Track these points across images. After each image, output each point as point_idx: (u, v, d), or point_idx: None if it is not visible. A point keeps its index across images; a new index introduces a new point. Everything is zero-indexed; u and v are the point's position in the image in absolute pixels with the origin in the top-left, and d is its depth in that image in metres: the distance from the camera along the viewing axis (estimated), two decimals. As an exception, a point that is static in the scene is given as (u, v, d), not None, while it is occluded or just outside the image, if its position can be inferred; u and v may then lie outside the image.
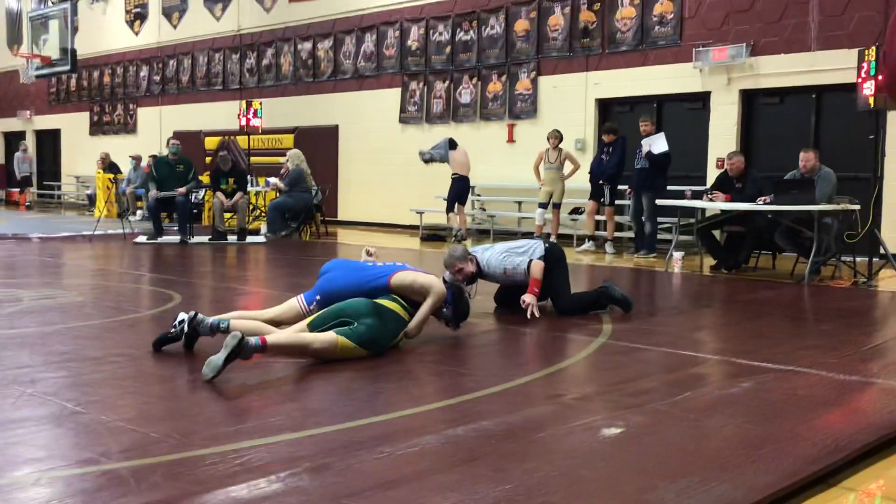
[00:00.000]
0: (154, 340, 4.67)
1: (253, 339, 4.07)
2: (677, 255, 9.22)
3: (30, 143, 25.64)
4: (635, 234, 11.14)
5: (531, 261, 5.93)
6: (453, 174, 12.93)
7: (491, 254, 6.05)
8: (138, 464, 2.80)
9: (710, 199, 9.05)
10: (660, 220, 10.88)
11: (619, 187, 11.44)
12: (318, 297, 4.94)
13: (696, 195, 9.48)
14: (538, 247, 6.10)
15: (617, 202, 11.55)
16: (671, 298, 7.72)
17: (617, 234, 12.18)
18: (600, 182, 11.28)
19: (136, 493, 2.54)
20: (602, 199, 11.40)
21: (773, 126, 11.61)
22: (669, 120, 12.53)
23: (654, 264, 9.90)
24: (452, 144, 13.13)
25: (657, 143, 10.53)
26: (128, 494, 2.53)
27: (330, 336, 4.37)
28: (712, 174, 11.17)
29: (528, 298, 5.81)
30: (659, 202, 9.96)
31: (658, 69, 12.38)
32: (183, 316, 4.62)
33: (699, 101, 12.21)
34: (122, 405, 3.60)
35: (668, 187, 10.75)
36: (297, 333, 4.47)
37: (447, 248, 12.08)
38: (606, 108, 13.25)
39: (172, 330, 4.65)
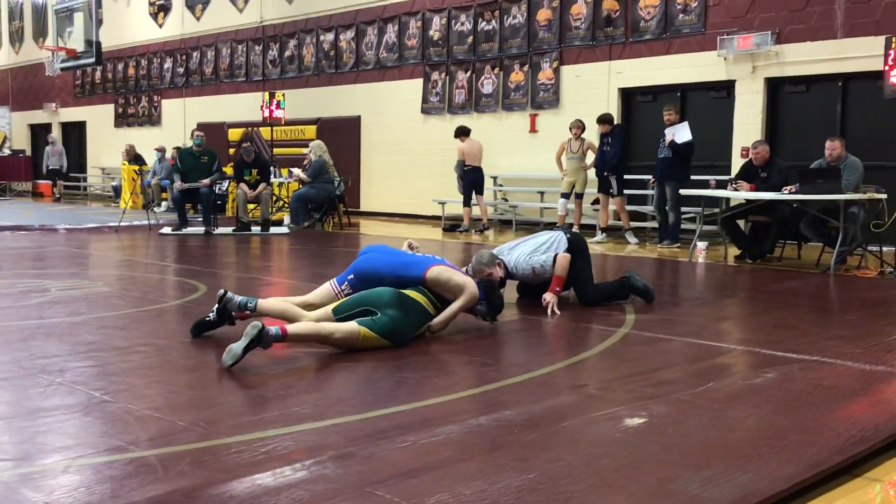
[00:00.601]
0: (192, 326, 4.78)
1: (273, 329, 4.11)
2: (701, 244, 9.17)
3: (56, 135, 25.90)
4: (659, 225, 11.09)
5: (556, 255, 5.91)
6: (465, 166, 12.91)
7: (518, 255, 6.01)
8: (165, 452, 2.84)
9: (735, 189, 8.98)
10: (683, 209, 10.81)
11: (627, 177, 11.39)
12: (351, 276, 4.97)
13: (721, 185, 9.42)
14: (561, 240, 6.08)
15: (627, 192, 11.51)
16: (695, 288, 7.69)
17: (638, 223, 12.14)
18: (605, 174, 11.24)
19: (164, 481, 2.58)
20: (610, 191, 11.35)
21: (798, 114, 11.49)
22: (693, 109, 12.43)
23: (677, 254, 9.85)
24: (465, 131, 13.11)
25: (681, 133, 10.46)
26: (156, 482, 2.57)
27: (352, 326, 4.40)
28: (737, 163, 11.09)
29: (548, 297, 5.77)
30: (682, 192, 9.90)
31: (682, 58, 12.28)
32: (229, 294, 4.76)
33: (724, 90, 12.11)
34: (148, 394, 3.64)
35: (692, 177, 10.68)
36: (318, 323, 4.49)
37: (463, 237, 12.15)
38: (629, 97, 13.18)
39: (210, 315, 4.74)
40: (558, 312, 5.69)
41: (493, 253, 5.68)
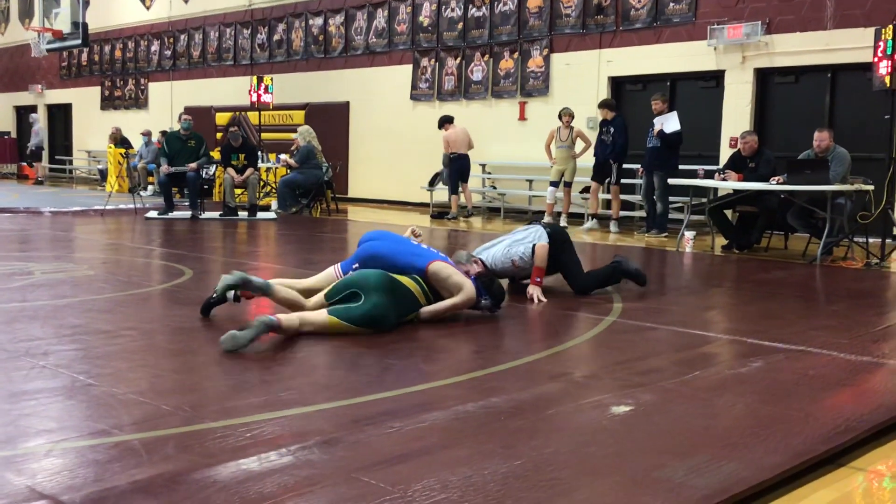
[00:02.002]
0: (201, 308, 4.82)
1: (274, 319, 4.19)
2: (689, 234, 9.19)
3: (41, 117, 25.67)
4: (647, 214, 11.10)
5: (535, 245, 5.88)
6: (451, 153, 12.89)
7: (495, 251, 5.97)
8: (150, 436, 2.82)
9: (723, 179, 9.00)
10: (672, 199, 10.83)
11: (626, 166, 11.39)
12: (355, 266, 4.93)
13: (709, 174, 9.43)
14: (540, 232, 6.04)
15: (623, 181, 11.52)
16: (682, 278, 7.70)
17: (625, 212, 12.16)
18: (611, 161, 11.21)
19: (148, 465, 2.56)
20: (608, 179, 11.34)
21: (787, 105, 11.51)
22: (683, 98, 12.43)
23: (665, 244, 9.87)
24: (448, 119, 13.08)
25: (669, 122, 10.46)
26: (140, 465, 2.55)
27: (322, 318, 4.41)
28: (725, 153, 11.12)
29: (531, 290, 5.75)
30: (671, 181, 9.92)
31: (672, 47, 12.27)
32: (227, 279, 4.65)
33: (713, 80, 12.12)
34: (133, 378, 3.62)
35: (680, 166, 10.69)
36: (301, 315, 4.46)
37: (451, 224, 12.14)
38: (619, 86, 13.16)
39: (214, 294, 4.75)
40: (544, 300, 5.68)
41: (470, 252, 5.69)
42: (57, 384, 3.44)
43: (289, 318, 4.35)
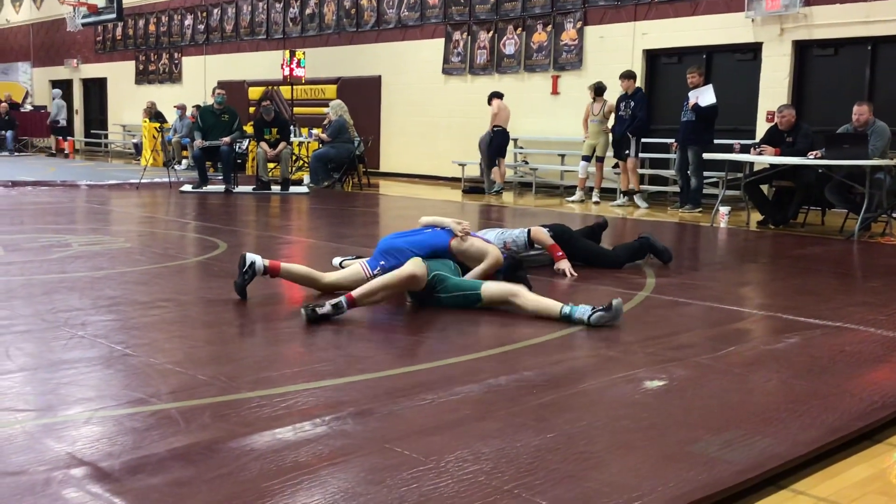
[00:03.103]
0: (237, 290, 4.65)
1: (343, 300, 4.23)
2: (724, 209, 9.09)
3: (77, 91, 25.93)
4: (681, 189, 10.99)
5: (530, 230, 5.84)
6: (495, 127, 12.82)
7: (489, 236, 5.91)
8: (186, 405, 2.86)
9: (760, 153, 8.87)
10: (707, 174, 10.70)
11: (649, 140, 11.25)
12: (382, 262, 4.83)
13: (745, 149, 9.31)
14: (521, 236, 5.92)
15: (649, 155, 11.40)
16: (716, 253, 7.63)
17: (658, 187, 12.06)
18: (629, 134, 11.08)
19: (185, 433, 2.60)
20: (626, 152, 11.21)
21: (826, 78, 11.29)
22: (719, 72, 12.25)
23: (699, 219, 9.77)
24: (498, 94, 13.01)
25: (704, 96, 10.32)
26: (177, 434, 2.59)
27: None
28: (762, 128, 10.94)
29: (560, 265, 5.73)
30: (706, 156, 9.80)
31: (708, 19, 12.07)
32: (252, 258, 4.64)
33: (750, 53, 11.91)
34: (169, 348, 3.67)
35: (716, 140, 10.56)
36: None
37: (492, 199, 12.11)
38: (654, 59, 12.99)
39: (246, 276, 4.64)
40: (575, 274, 5.66)
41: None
42: (95, 354, 3.50)
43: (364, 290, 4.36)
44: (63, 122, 22.72)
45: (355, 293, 4.33)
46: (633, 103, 11.10)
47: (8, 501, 2.11)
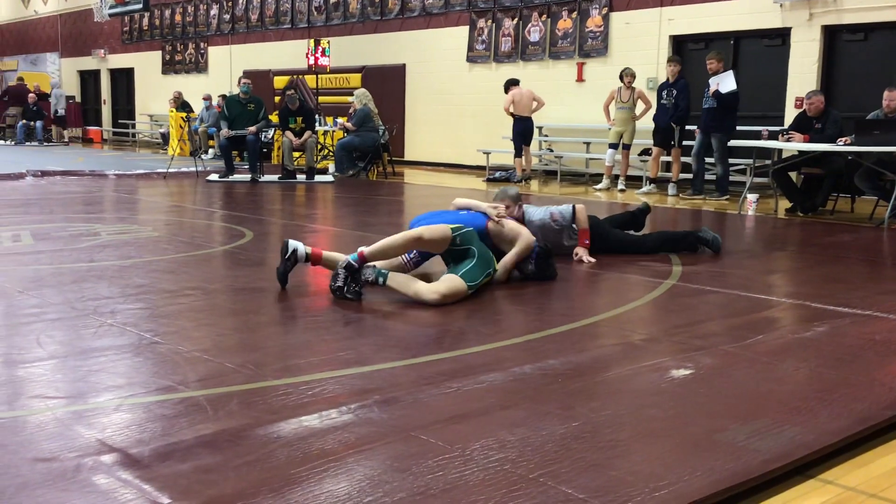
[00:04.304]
0: (279, 277, 4.67)
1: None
2: (751, 197, 9.00)
3: (104, 82, 26.14)
4: (694, 175, 10.89)
5: (574, 205, 5.85)
6: (518, 115, 12.75)
7: (533, 208, 5.94)
8: (214, 392, 2.89)
9: (788, 140, 8.78)
10: (733, 161, 10.61)
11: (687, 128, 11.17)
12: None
13: (773, 135, 9.21)
14: (567, 214, 5.91)
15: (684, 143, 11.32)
16: (744, 241, 7.56)
17: (687, 174, 11.97)
18: (672, 124, 10.96)
19: (214, 420, 2.62)
20: (672, 142, 11.10)
21: (855, 64, 11.13)
22: (747, 57, 12.12)
23: (725, 206, 9.69)
24: (514, 81, 12.94)
25: (725, 82, 10.22)
26: (205, 421, 2.62)
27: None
28: (791, 114, 10.81)
29: (579, 251, 5.73)
30: (732, 143, 9.70)
31: (736, 4, 11.93)
32: (294, 245, 4.69)
33: (778, 38, 11.76)
34: (197, 336, 3.70)
35: (742, 127, 10.46)
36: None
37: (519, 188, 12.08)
38: (681, 45, 12.88)
39: (288, 263, 4.67)
40: (593, 260, 5.65)
41: (520, 193, 5.80)
42: (124, 342, 3.53)
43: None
44: (62, 112, 22.87)
45: (366, 251, 4.48)
46: (675, 91, 10.91)
47: (39, 487, 2.14)
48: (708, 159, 10.81)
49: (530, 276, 5.10)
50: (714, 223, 8.51)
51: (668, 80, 11.09)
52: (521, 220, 5.68)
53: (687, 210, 9.49)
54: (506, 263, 4.97)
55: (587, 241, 5.78)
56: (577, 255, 5.73)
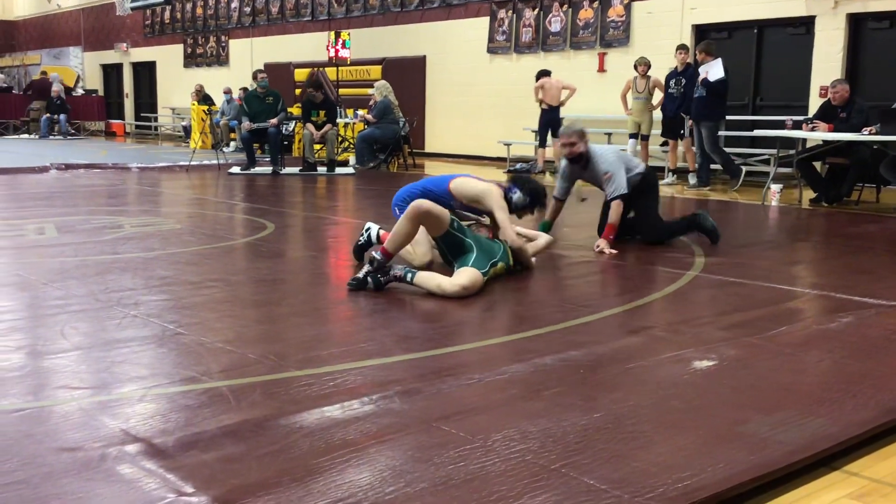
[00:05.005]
0: (353, 251, 5.06)
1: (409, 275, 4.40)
2: (775, 187, 8.93)
3: (126, 75, 26.29)
4: (699, 166, 10.86)
5: (616, 197, 5.82)
6: (546, 106, 12.70)
7: (604, 150, 5.99)
8: (237, 383, 2.91)
9: (812, 129, 8.69)
10: (756, 151, 10.52)
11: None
12: (396, 211, 5.10)
13: (797, 125, 9.12)
14: (641, 168, 6.08)
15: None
16: (767, 232, 7.50)
17: (712, 166, 11.87)
18: (682, 114, 10.87)
19: (237, 411, 2.64)
20: (681, 132, 11.02)
21: (881, 52, 10.99)
22: (770, 46, 12.00)
23: (736, 196, 9.61)
24: (546, 72, 12.89)
25: (713, 70, 10.15)
26: (229, 411, 2.63)
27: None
28: (815, 103, 10.70)
29: (601, 244, 5.73)
30: (760, 132, 9.62)
31: (759, -8, 11.82)
32: (369, 224, 4.96)
33: (803, 27, 11.64)
34: (220, 328, 3.72)
35: (766, 117, 10.37)
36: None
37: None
38: (703, 34, 12.75)
39: (361, 238, 4.98)
40: (614, 251, 5.64)
41: (585, 130, 5.87)
42: (148, 333, 3.56)
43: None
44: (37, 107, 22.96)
45: (386, 244, 4.51)
46: (684, 80, 10.83)
47: (65, 477, 2.16)
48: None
49: (520, 204, 5.11)
50: (738, 213, 8.45)
51: (676, 68, 10.96)
52: (587, 156, 5.79)
53: (703, 201, 9.43)
54: (502, 227, 4.93)
55: (611, 237, 5.77)
56: (597, 246, 5.72)
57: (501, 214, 4.96)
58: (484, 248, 4.62)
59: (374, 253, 4.45)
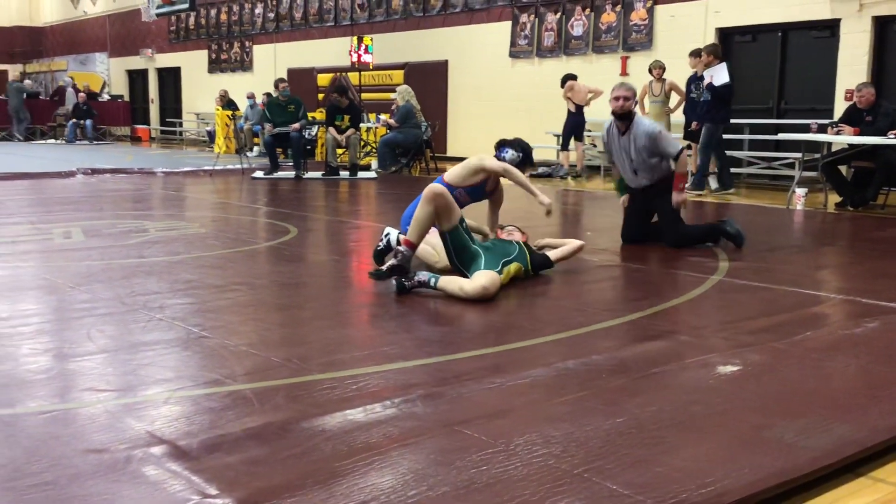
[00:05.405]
0: (373, 255, 5.04)
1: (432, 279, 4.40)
2: (800, 191, 8.85)
3: (152, 81, 26.53)
4: (719, 170, 10.79)
5: (683, 149, 5.96)
6: (574, 107, 12.67)
7: (646, 126, 6.06)
8: (261, 386, 2.92)
9: (837, 133, 8.61)
10: (782, 154, 10.44)
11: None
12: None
13: (822, 129, 9.04)
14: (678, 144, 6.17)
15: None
16: (792, 236, 7.44)
17: (735, 169, 11.80)
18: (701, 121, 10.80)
19: (260, 413, 2.65)
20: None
21: (908, 55, 10.89)
22: (795, 49, 11.91)
23: (735, 197, 9.53)
24: (571, 77, 12.88)
25: (718, 74, 10.11)
26: (252, 414, 2.65)
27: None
28: (840, 107, 10.61)
29: (677, 197, 5.91)
30: (784, 135, 9.55)
31: (784, -5, 11.74)
32: (388, 230, 4.99)
33: (827, 30, 11.54)
34: (244, 331, 3.75)
35: (791, 120, 10.29)
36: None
37: (564, 183, 12.03)
38: (727, 37, 12.69)
39: (380, 244, 4.98)
40: (686, 196, 5.91)
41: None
42: (172, 336, 3.59)
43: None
44: (64, 111, 23.16)
45: (408, 234, 4.56)
46: (701, 84, 10.76)
47: (91, 478, 2.19)
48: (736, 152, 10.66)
49: (520, 162, 5.31)
50: (762, 217, 8.38)
51: (696, 72, 10.90)
52: (632, 116, 5.95)
53: (726, 205, 9.36)
54: (516, 175, 5.11)
55: (683, 185, 5.94)
56: (675, 201, 5.95)
57: (506, 166, 5.10)
58: (493, 250, 4.65)
59: (398, 246, 4.50)
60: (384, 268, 4.42)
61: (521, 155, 5.29)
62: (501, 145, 5.33)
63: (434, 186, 4.57)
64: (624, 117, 5.95)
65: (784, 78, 12.14)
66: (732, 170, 11.66)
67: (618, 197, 6.43)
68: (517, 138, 5.43)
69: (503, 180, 5.30)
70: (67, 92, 23.60)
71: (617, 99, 5.93)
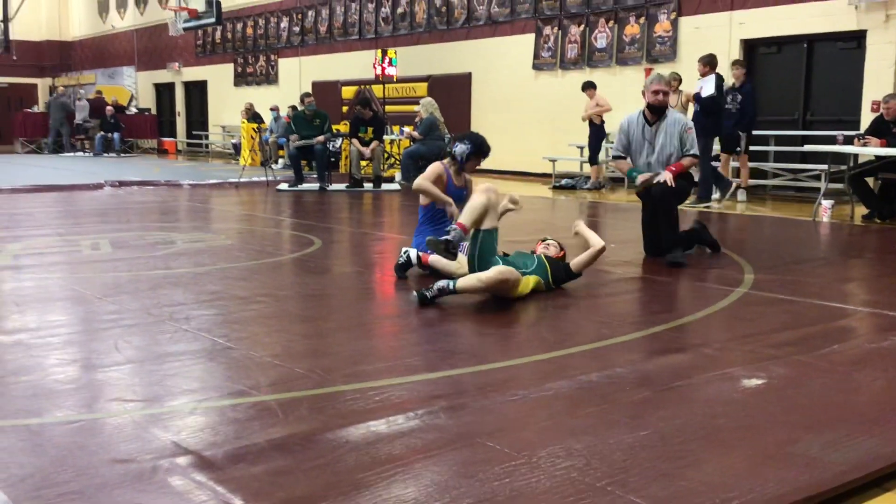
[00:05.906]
0: (395, 268, 5.24)
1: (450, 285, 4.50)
2: (826, 203, 8.78)
3: (178, 94, 26.80)
4: (716, 180, 10.75)
5: (694, 153, 5.98)
6: (600, 120, 12.67)
7: (679, 116, 6.07)
8: (285, 397, 2.94)
9: (864, 145, 8.54)
10: (808, 166, 10.35)
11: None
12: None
13: (849, 140, 8.96)
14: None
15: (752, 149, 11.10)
16: (818, 248, 7.38)
17: (757, 181, 11.73)
18: (739, 132, 10.72)
19: (284, 424, 2.67)
20: (738, 149, 10.88)
21: (936, 65, 10.77)
22: (820, 61, 11.83)
23: (756, 209, 9.46)
24: (592, 84, 12.89)
25: (706, 86, 10.09)
26: (276, 425, 2.67)
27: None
28: (867, 118, 10.51)
29: (665, 174, 5.86)
30: (810, 147, 9.48)
31: (809, 6, 11.65)
32: (406, 249, 5.17)
33: (853, 41, 11.45)
34: (268, 342, 3.77)
35: (817, 132, 10.21)
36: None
37: (590, 195, 12.01)
38: (752, 49, 12.63)
39: (401, 258, 5.17)
40: (669, 176, 5.79)
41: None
42: (198, 347, 3.62)
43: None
44: (91, 123, 23.37)
45: (461, 218, 4.69)
46: (740, 97, 10.68)
47: (117, 488, 2.21)
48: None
49: (471, 153, 5.51)
50: (788, 230, 8.31)
51: (733, 84, 10.86)
52: (665, 109, 5.95)
53: (753, 217, 9.30)
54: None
55: (673, 170, 5.88)
56: (661, 176, 5.87)
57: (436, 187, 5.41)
58: (513, 263, 4.69)
59: (451, 227, 4.66)
60: (427, 293, 4.44)
61: (469, 146, 5.46)
62: (453, 140, 5.45)
63: (487, 185, 4.79)
64: (660, 110, 5.95)
65: (810, 89, 12.06)
66: (758, 182, 11.61)
67: (633, 182, 6.33)
68: (469, 132, 5.57)
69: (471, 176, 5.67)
70: (78, 104, 23.83)
71: (656, 93, 5.92)
